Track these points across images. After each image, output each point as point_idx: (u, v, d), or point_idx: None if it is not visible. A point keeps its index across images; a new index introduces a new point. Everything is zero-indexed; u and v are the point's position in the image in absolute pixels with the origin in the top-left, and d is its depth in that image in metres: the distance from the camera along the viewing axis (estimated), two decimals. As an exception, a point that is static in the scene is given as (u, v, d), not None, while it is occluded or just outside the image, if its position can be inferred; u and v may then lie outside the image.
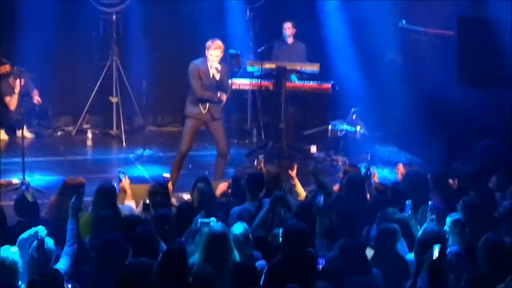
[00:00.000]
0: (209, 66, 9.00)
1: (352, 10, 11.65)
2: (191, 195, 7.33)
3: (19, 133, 10.65)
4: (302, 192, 7.64)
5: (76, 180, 7.08)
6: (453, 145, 9.86)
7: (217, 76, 9.00)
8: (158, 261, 5.33)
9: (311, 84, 10.96)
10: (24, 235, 5.90)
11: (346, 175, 7.42)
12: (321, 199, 6.51)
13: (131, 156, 10.72)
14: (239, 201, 7.08)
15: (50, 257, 5.70)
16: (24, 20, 10.96)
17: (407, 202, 6.62)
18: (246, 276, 5.35)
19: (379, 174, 9.19)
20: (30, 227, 6.00)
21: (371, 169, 7.95)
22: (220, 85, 9.07)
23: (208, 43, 8.99)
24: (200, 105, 9.07)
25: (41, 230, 5.78)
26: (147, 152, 10.79)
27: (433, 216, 6.40)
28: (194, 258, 5.54)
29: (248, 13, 11.97)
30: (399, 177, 8.01)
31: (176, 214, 6.49)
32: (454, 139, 9.94)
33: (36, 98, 11.26)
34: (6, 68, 9.14)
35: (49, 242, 5.73)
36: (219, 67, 8.97)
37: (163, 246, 5.87)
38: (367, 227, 6.45)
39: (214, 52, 8.92)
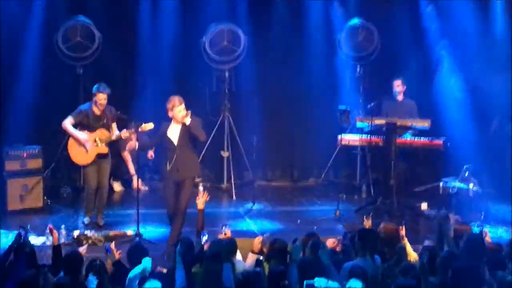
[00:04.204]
0: (171, 124, 8.77)
1: (463, 66, 11.59)
2: (302, 251, 7.30)
3: (135, 186, 11.04)
4: (412, 252, 7.48)
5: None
6: None
7: (188, 122, 8.67)
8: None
9: (422, 140, 10.83)
10: (131, 274, 6.11)
11: (466, 236, 7.16)
12: (425, 258, 6.39)
13: (240, 210, 10.87)
14: (349, 257, 7.03)
15: None
16: (140, 75, 11.44)
17: None
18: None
19: (493, 234, 8.97)
20: None
21: (484, 228, 7.74)
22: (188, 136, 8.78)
23: (169, 104, 8.71)
24: (168, 162, 8.84)
25: (146, 262, 5.94)
26: (256, 206, 10.91)
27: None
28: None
29: (358, 70, 12.03)
30: (515, 237, 7.79)
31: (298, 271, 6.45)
32: None
33: (150, 153, 11.60)
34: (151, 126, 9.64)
35: (158, 287, 5.91)
36: (189, 113, 8.66)
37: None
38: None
39: (181, 108, 8.69)
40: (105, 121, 9.66)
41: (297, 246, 6.31)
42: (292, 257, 6.21)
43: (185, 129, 8.78)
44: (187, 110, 8.75)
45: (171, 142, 8.84)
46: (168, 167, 8.83)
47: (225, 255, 6.61)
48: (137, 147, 9.44)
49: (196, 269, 6.59)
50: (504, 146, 11.17)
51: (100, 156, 9.68)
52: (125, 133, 9.66)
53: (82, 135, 9.59)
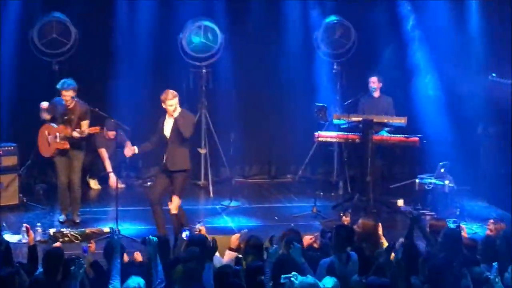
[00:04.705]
0: (166, 118, 9.03)
1: (438, 65, 11.68)
2: (281, 247, 7.30)
3: (112, 183, 11.00)
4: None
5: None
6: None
7: (175, 115, 8.93)
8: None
9: (399, 137, 10.86)
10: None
11: (443, 230, 7.20)
12: (400, 254, 6.44)
13: (218, 207, 10.87)
14: (326, 254, 7.05)
15: None
16: (118, 73, 11.38)
17: (493, 264, 6.42)
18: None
19: (468, 230, 9.04)
20: None
21: (460, 224, 7.80)
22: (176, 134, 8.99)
23: (162, 96, 9.00)
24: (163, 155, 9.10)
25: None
26: (233, 203, 10.91)
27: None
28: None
29: (335, 67, 12.06)
30: (489, 233, 7.86)
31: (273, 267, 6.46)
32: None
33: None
34: (97, 129, 9.69)
35: (141, 283, 5.97)
36: (178, 111, 8.94)
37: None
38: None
39: (173, 102, 8.94)
40: (72, 117, 9.60)
41: (274, 250, 6.30)
42: (268, 259, 6.21)
43: (176, 123, 8.99)
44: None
45: (164, 135, 9.09)
46: (163, 159, 9.05)
47: (206, 253, 6.60)
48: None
49: (177, 267, 6.57)
50: (480, 144, 11.29)
51: (60, 152, 9.64)
52: (75, 134, 9.57)
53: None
